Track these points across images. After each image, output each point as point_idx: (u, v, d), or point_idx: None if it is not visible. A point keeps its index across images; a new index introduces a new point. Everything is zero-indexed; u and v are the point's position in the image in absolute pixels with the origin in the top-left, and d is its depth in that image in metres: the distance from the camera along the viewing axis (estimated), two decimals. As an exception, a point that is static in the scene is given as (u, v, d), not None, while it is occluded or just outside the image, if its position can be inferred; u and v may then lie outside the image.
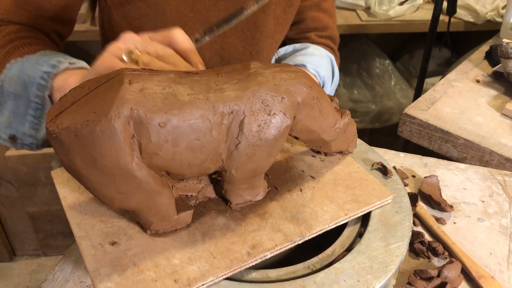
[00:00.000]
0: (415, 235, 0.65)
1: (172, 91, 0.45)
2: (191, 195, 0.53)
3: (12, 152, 1.57)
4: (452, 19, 1.54)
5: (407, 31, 1.71)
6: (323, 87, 0.92)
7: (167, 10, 0.77)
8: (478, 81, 1.14)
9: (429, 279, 0.58)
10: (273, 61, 0.95)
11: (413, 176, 0.79)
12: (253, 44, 0.85)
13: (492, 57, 1.22)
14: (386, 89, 1.94)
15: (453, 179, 0.78)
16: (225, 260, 0.47)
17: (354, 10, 1.72)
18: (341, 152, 0.61)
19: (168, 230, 0.49)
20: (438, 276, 0.58)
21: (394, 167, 0.78)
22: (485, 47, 1.29)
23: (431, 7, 1.52)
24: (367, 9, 1.71)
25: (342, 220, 0.52)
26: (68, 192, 0.54)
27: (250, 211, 0.52)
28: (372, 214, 0.55)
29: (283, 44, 0.96)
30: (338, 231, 0.54)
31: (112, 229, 0.50)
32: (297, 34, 0.95)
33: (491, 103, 1.05)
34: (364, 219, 0.55)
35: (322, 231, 0.51)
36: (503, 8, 1.63)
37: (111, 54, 0.55)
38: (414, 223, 0.69)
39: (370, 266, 0.49)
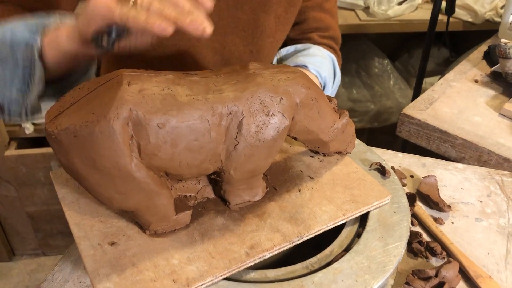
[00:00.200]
0: (413, 235, 0.66)
1: (171, 92, 0.45)
2: (190, 196, 0.53)
3: (11, 152, 1.57)
4: (451, 19, 1.54)
5: (406, 30, 1.71)
6: (324, 88, 0.92)
7: None
8: (476, 81, 1.14)
9: (427, 279, 0.58)
10: (274, 61, 0.95)
11: (411, 176, 0.79)
12: (253, 43, 0.85)
13: (490, 57, 1.22)
14: (385, 88, 1.94)
15: (451, 179, 0.78)
16: (223, 260, 0.47)
17: (353, 10, 1.72)
18: (339, 153, 0.61)
19: (167, 231, 0.50)
20: (436, 276, 0.58)
21: (393, 167, 0.78)
22: (483, 47, 1.29)
23: (430, 6, 1.52)
24: (366, 8, 1.71)
25: (341, 220, 0.53)
26: (67, 193, 0.55)
27: (248, 211, 0.53)
28: (370, 214, 0.55)
29: (285, 44, 0.96)
30: (336, 231, 0.54)
31: (111, 229, 0.50)
32: (299, 34, 0.95)
33: (489, 103, 1.05)
34: (362, 219, 0.56)
35: (321, 231, 0.51)
36: (501, 8, 1.63)
37: None
38: (412, 223, 0.70)
39: (368, 266, 0.49)
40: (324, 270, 0.49)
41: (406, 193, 0.60)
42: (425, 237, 0.67)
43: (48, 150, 1.56)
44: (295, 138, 0.55)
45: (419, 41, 1.99)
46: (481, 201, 0.74)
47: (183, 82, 0.47)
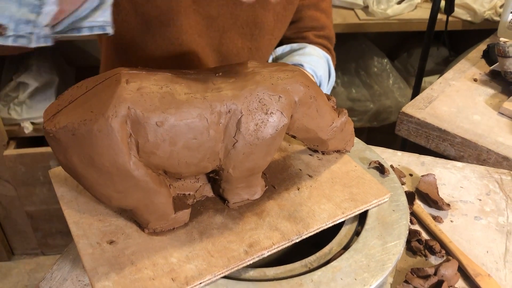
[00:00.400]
0: (412, 234, 0.66)
1: (169, 90, 0.45)
2: (189, 194, 0.53)
3: (10, 151, 1.57)
4: (450, 18, 1.54)
5: (405, 30, 1.71)
6: (320, 87, 0.92)
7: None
8: (475, 80, 1.14)
9: (426, 277, 0.58)
10: (270, 60, 0.95)
11: (411, 175, 0.79)
12: (252, 40, 0.85)
13: (489, 56, 1.22)
14: (384, 88, 1.94)
15: (450, 178, 0.78)
16: (222, 258, 0.47)
17: (352, 9, 1.72)
18: (338, 151, 0.61)
19: (166, 229, 0.50)
20: (435, 274, 0.58)
21: (392, 166, 0.78)
22: (482, 46, 1.29)
23: (429, 6, 1.51)
24: (365, 8, 1.71)
25: (339, 219, 0.53)
26: (66, 191, 0.54)
27: (247, 209, 0.53)
28: (369, 213, 0.55)
29: (280, 43, 0.96)
30: (335, 229, 0.54)
31: (110, 228, 0.50)
32: (295, 33, 0.95)
33: (488, 102, 1.05)
34: (361, 218, 0.56)
35: (320, 230, 0.51)
36: (500, 7, 1.63)
37: None
38: (411, 222, 0.70)
39: (367, 265, 0.49)
40: (323, 268, 0.49)
41: (405, 192, 0.60)
42: (424, 236, 0.67)
43: (47, 149, 1.56)
44: (294, 137, 0.55)
45: (418, 40, 1.99)
46: (480, 200, 0.74)
47: (181, 81, 0.47)
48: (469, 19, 1.66)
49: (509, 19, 1.24)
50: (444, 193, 0.75)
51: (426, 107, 1.02)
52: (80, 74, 1.80)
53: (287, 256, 0.57)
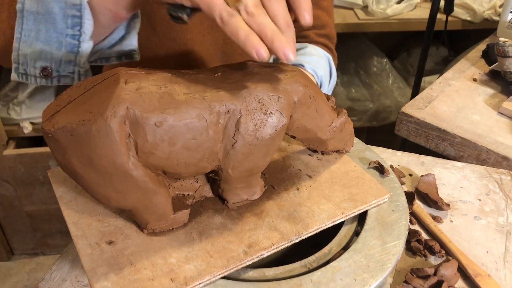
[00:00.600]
0: (412, 234, 0.65)
1: (168, 91, 0.45)
2: (188, 194, 0.53)
3: (10, 151, 1.57)
4: (450, 18, 1.54)
5: (404, 29, 1.71)
6: (320, 87, 0.92)
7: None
8: (475, 80, 1.14)
9: (426, 277, 0.58)
10: (271, 60, 0.95)
11: (410, 175, 0.79)
12: None
13: (489, 56, 1.22)
14: (383, 87, 1.94)
15: (450, 178, 0.78)
16: (221, 259, 0.47)
17: (352, 9, 1.72)
18: (338, 151, 0.61)
19: (165, 229, 0.49)
20: (435, 274, 0.58)
21: (391, 166, 0.78)
22: (482, 46, 1.29)
23: (428, 5, 1.51)
24: (365, 7, 1.71)
25: (339, 219, 0.53)
26: (65, 192, 0.54)
27: (247, 210, 0.52)
28: (369, 213, 0.55)
29: (281, 43, 0.96)
30: (335, 229, 0.54)
31: (109, 228, 0.50)
32: (296, 32, 0.95)
33: (488, 102, 1.05)
34: (361, 218, 0.56)
35: (319, 230, 0.51)
36: (500, 6, 1.63)
37: None
38: (410, 222, 0.70)
39: (366, 265, 0.49)
40: (323, 268, 0.49)
41: (405, 192, 0.60)
42: (424, 236, 0.67)
43: (47, 149, 1.56)
44: (293, 137, 0.55)
45: (418, 40, 1.99)
46: (479, 200, 0.74)
47: (180, 81, 0.47)
48: (468, 18, 1.66)
49: (508, 18, 1.24)
50: (444, 193, 0.75)
51: (425, 107, 1.02)
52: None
53: (286, 256, 0.57)
